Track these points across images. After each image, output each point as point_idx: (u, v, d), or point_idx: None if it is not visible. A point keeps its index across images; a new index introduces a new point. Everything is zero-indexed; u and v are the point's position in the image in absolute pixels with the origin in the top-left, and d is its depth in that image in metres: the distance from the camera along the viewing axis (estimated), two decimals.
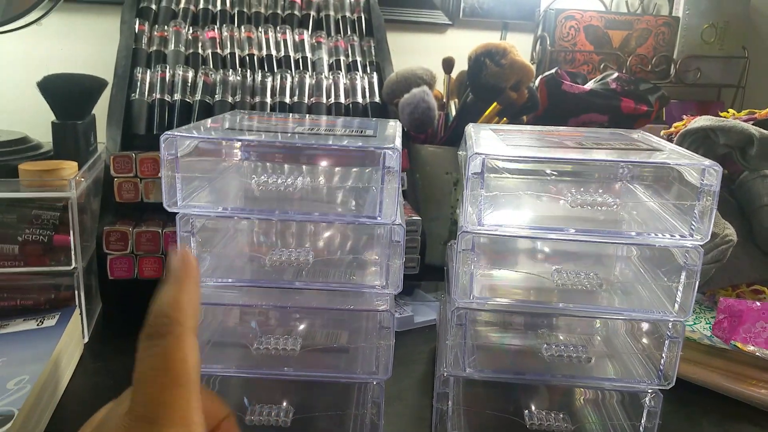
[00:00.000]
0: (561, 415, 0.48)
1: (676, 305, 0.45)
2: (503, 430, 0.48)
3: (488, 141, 0.49)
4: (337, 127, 0.54)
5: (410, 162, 0.79)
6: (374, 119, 0.61)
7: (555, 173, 0.51)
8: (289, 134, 0.48)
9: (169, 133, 0.43)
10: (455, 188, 0.81)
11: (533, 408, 0.49)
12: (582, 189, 0.47)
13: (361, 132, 0.51)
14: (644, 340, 0.50)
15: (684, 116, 0.78)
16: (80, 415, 0.49)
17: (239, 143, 0.52)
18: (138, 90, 0.77)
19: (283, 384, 0.48)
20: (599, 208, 0.45)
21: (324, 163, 0.52)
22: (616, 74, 0.88)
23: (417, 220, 0.70)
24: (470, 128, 0.55)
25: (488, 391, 0.53)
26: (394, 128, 0.52)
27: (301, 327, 0.48)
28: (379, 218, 0.44)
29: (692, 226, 0.44)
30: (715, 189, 0.43)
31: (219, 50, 0.84)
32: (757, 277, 0.66)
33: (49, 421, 0.48)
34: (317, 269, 0.49)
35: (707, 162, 0.42)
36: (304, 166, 0.52)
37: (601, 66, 1.09)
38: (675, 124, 0.76)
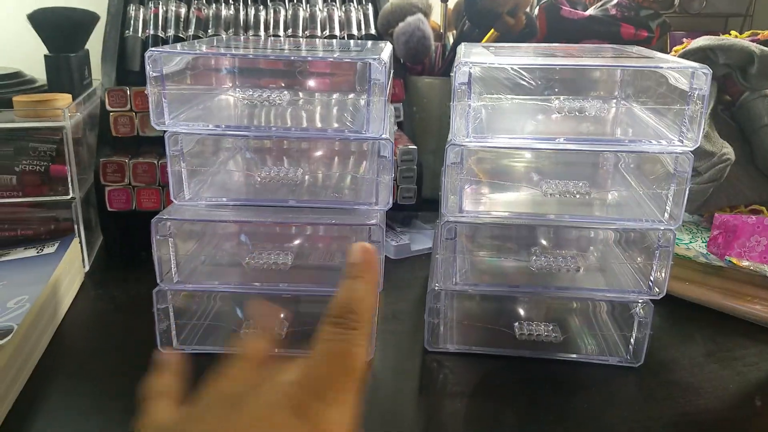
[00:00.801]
0: (551, 327, 0.48)
1: (666, 214, 0.45)
2: (494, 342, 0.49)
3: (478, 53, 0.48)
4: (329, 45, 0.53)
5: (406, 94, 0.78)
6: (368, 41, 0.60)
7: (548, 90, 0.50)
8: (279, 50, 0.48)
9: (153, 49, 0.43)
10: None
11: (523, 320, 0.49)
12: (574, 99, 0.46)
13: (352, 49, 0.50)
14: (636, 255, 0.50)
15: (684, 39, 0.76)
16: (82, 336, 0.51)
17: (228, 63, 0.51)
18: (132, 27, 0.76)
19: (277, 299, 0.49)
20: (588, 113, 0.44)
21: (313, 83, 0.52)
22: (616, 0, 0.86)
23: (413, 149, 0.69)
24: (462, 46, 0.54)
25: (480, 306, 0.53)
26: (384, 46, 0.51)
27: (294, 243, 0.48)
28: (366, 133, 0.44)
29: (682, 132, 0.43)
30: (705, 93, 0.42)
31: None
32: (756, 198, 0.66)
33: (50, 340, 0.49)
34: (309, 188, 0.49)
35: (697, 65, 0.42)
36: (295, 87, 0.52)
37: None
38: (675, 48, 0.74)
